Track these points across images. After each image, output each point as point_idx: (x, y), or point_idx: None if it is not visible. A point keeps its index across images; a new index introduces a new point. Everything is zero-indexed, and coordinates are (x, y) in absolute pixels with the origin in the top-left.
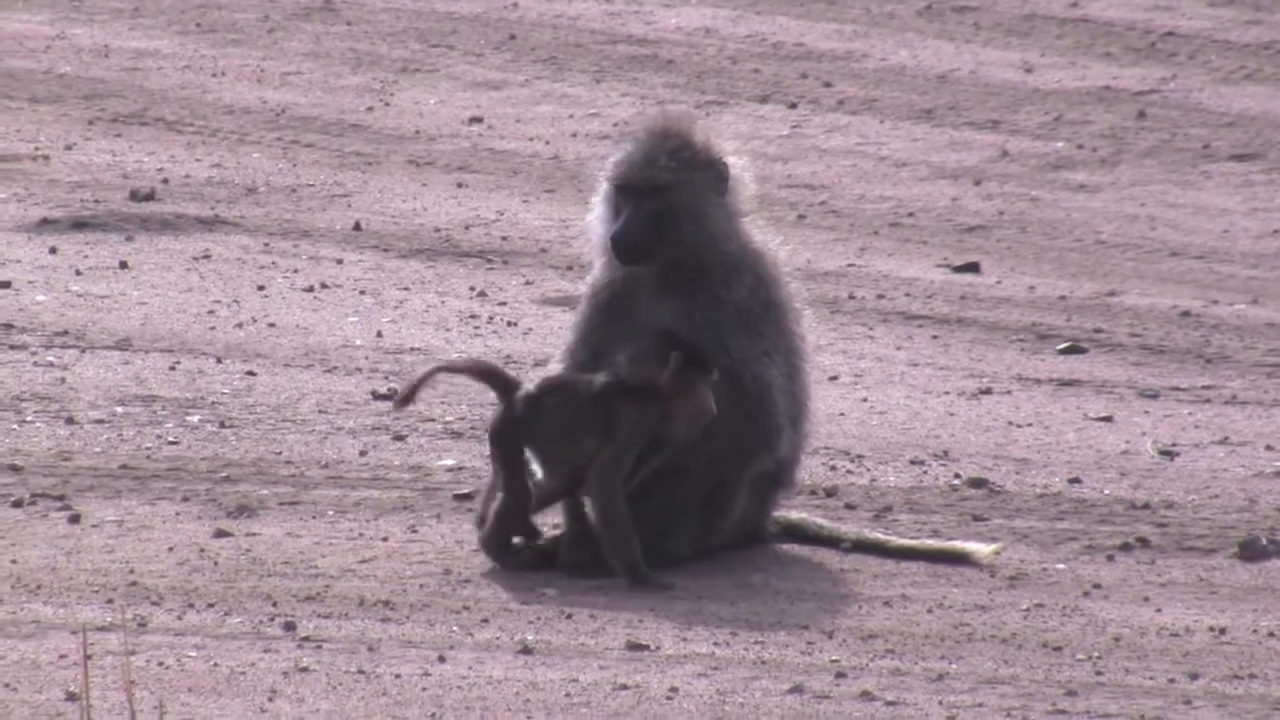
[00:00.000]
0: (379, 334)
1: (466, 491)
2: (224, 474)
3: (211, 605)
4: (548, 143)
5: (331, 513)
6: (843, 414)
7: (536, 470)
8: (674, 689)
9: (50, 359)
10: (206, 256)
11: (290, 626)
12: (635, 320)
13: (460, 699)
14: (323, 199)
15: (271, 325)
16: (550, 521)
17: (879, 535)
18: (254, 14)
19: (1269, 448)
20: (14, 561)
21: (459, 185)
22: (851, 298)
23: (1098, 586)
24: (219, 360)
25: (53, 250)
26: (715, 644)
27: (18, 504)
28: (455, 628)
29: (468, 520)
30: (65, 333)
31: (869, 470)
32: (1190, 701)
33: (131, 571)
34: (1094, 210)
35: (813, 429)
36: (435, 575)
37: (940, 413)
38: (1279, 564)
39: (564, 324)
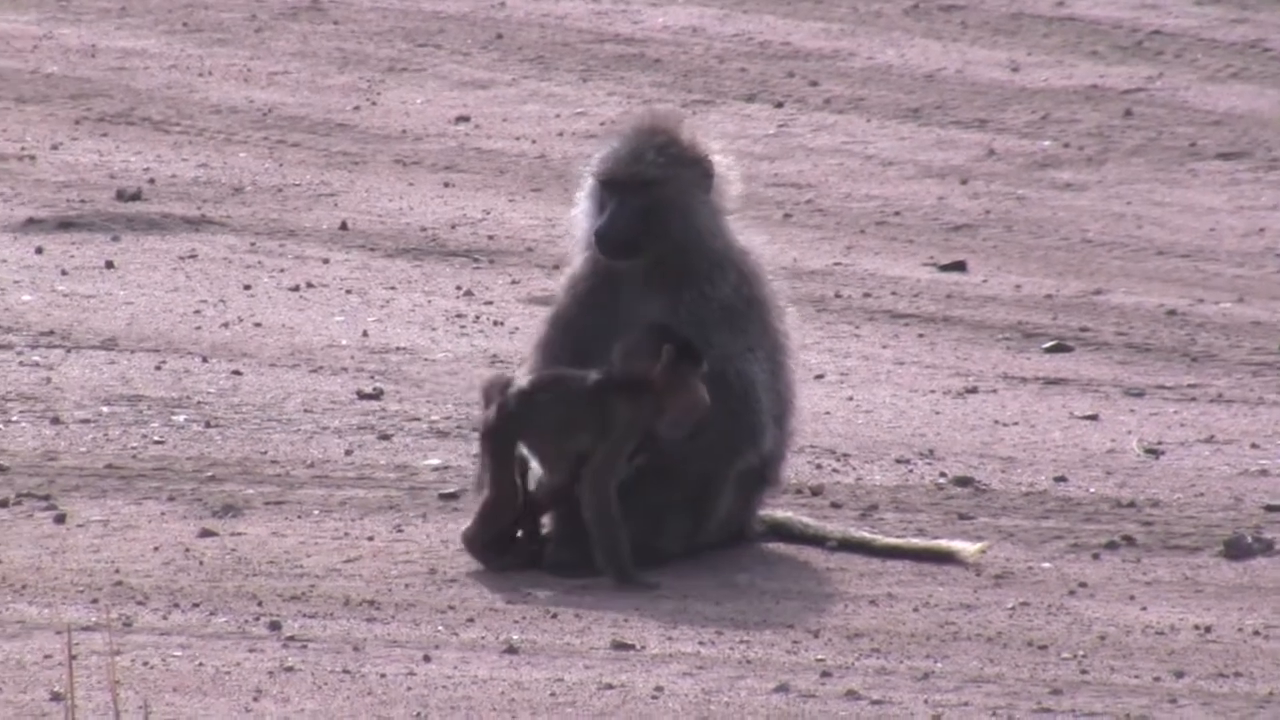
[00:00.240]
0: (365, 333)
1: (452, 491)
2: (209, 473)
3: (197, 605)
4: (534, 142)
5: (317, 512)
6: (829, 413)
7: (536, 468)
8: (659, 688)
9: (36, 359)
10: (193, 256)
11: (275, 626)
12: (618, 315)
13: (445, 698)
14: (309, 198)
15: (257, 325)
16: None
17: (865, 534)
18: (241, 13)
19: (1254, 446)
20: None
21: (446, 184)
22: (838, 296)
23: (1083, 585)
24: (205, 360)
25: (39, 250)
26: (701, 643)
27: (3, 504)
28: (440, 627)
29: (453, 520)
30: (51, 332)
31: (855, 469)
32: (1175, 700)
33: (117, 571)
34: (1080, 209)
35: (798, 427)
36: (421, 575)
37: (926, 411)
38: (1264, 562)
39: None
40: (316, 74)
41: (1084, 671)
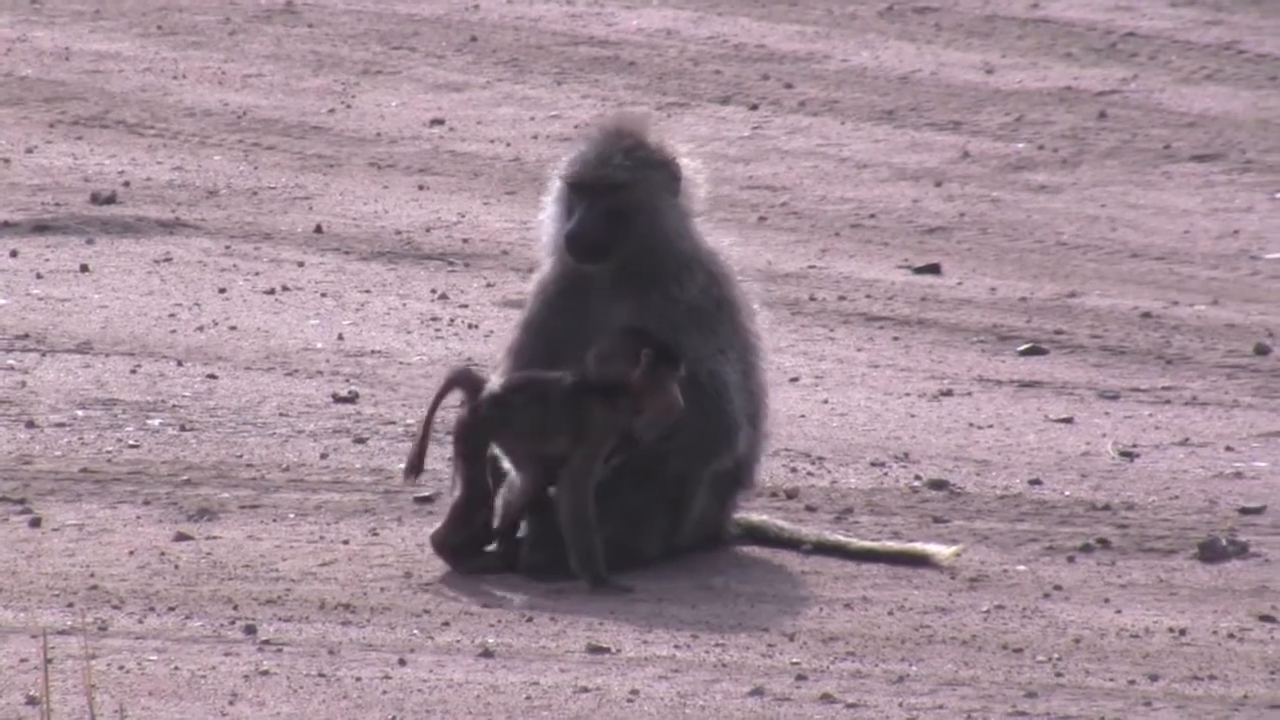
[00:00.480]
0: (340, 337)
1: (428, 494)
2: (185, 477)
3: (172, 609)
4: (509, 145)
5: (292, 516)
6: (803, 416)
7: (510, 471)
8: (635, 691)
9: (10, 362)
10: (167, 259)
11: (251, 630)
12: (588, 319)
13: (421, 702)
14: (284, 201)
15: (232, 328)
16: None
17: (840, 537)
18: (215, 16)
19: (1229, 449)
20: None
21: (420, 187)
22: (812, 299)
23: (1058, 588)
24: (180, 363)
25: (13, 253)
26: (676, 646)
27: None
28: (416, 631)
29: (429, 523)
30: (26, 336)
31: (830, 472)
32: (1150, 703)
33: (92, 575)
34: (1055, 211)
35: (773, 430)
36: (396, 578)
37: (901, 414)
38: (1238, 565)
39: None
40: (291, 77)
41: (1059, 674)
